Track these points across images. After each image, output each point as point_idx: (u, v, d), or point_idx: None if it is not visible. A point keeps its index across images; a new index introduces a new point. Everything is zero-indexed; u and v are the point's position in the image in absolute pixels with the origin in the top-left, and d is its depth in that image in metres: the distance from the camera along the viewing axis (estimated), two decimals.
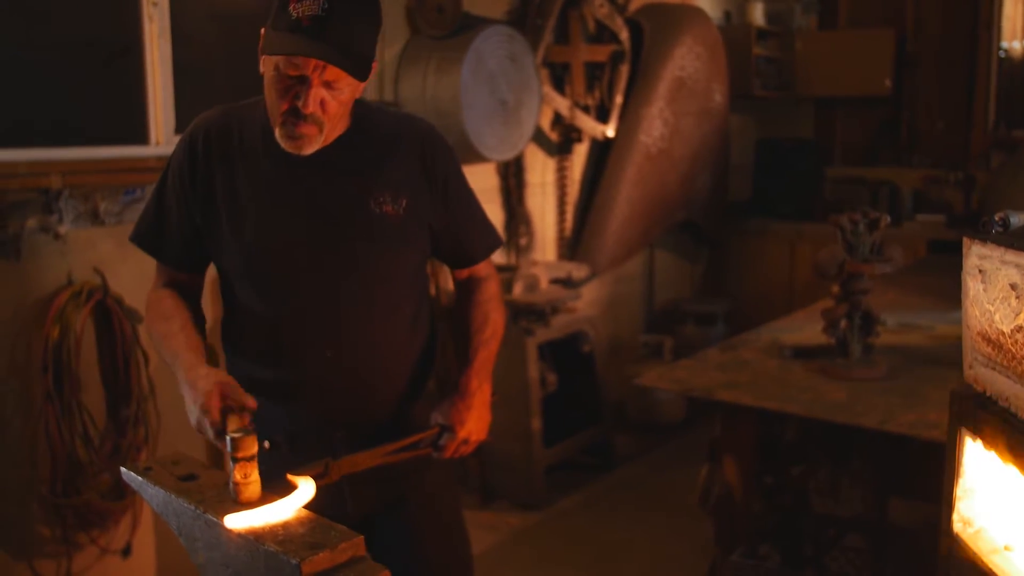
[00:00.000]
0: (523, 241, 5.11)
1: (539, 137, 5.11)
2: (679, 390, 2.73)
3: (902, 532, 3.11)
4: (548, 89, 4.94)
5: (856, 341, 2.83)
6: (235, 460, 1.55)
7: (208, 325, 2.07)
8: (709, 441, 2.95)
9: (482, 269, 2.16)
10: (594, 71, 5.35)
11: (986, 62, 6.57)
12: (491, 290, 2.15)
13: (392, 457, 1.91)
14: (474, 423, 2.00)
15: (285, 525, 1.49)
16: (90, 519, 3.25)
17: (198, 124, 1.95)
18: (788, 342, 3.16)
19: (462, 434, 1.98)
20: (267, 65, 1.80)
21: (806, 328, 3.40)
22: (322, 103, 1.78)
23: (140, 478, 1.66)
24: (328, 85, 1.77)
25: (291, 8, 1.71)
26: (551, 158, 5.30)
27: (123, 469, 1.70)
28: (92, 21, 3.39)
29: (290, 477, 1.62)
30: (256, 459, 1.56)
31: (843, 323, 2.84)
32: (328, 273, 1.92)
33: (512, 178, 4.99)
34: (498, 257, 4.95)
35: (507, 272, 4.64)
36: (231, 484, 1.55)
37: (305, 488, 1.58)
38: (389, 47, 4.31)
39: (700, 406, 5.28)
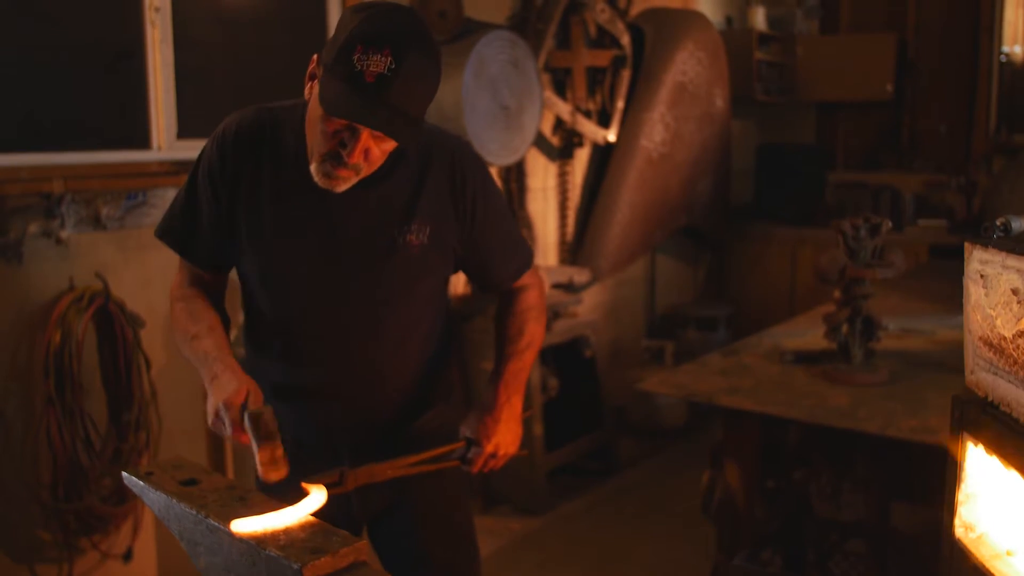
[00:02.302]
0: None
1: (540, 142, 5.11)
2: (681, 395, 2.73)
3: (904, 537, 3.10)
4: (549, 94, 4.94)
5: (858, 346, 2.83)
6: (259, 440, 1.56)
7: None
8: (711, 446, 2.94)
9: (522, 281, 2.10)
10: (595, 76, 5.35)
11: (987, 66, 6.57)
12: (530, 299, 2.10)
13: (414, 469, 1.89)
14: (503, 437, 1.97)
15: (287, 530, 1.49)
16: (91, 523, 3.25)
17: (230, 122, 1.90)
18: (790, 347, 3.16)
19: (489, 448, 1.96)
20: (316, 102, 1.70)
21: (808, 333, 3.40)
22: (366, 151, 1.72)
23: (141, 483, 1.65)
24: (377, 137, 1.71)
25: (355, 59, 1.61)
26: (552, 163, 5.30)
27: (124, 474, 1.69)
28: (94, 26, 3.39)
29: (304, 485, 1.61)
30: (279, 437, 1.58)
31: (844, 328, 2.84)
32: (345, 295, 1.90)
33: (514, 182, 4.99)
34: None
35: None
36: (258, 467, 1.56)
37: (315, 496, 1.58)
38: None
39: (701, 411, 5.29)
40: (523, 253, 2.08)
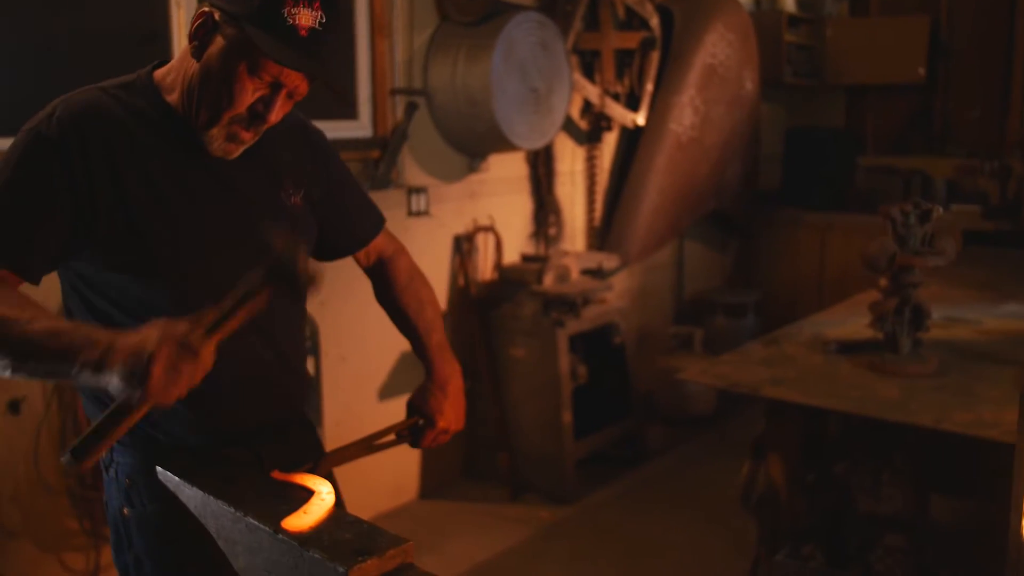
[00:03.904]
0: (552, 231, 5.04)
1: (568, 125, 5.04)
2: (724, 386, 2.65)
3: (944, 530, 3.03)
4: (578, 77, 4.86)
5: (906, 336, 2.74)
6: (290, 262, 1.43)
7: None
8: (753, 438, 2.86)
9: (387, 247, 2.04)
10: (624, 58, 5.26)
11: (1022, 49, 6.43)
12: (404, 265, 2.06)
13: (375, 450, 1.87)
14: (452, 412, 1.96)
15: (330, 530, 1.43)
16: None
17: (66, 115, 1.61)
18: (832, 336, 3.08)
19: (442, 424, 1.95)
20: (228, 56, 1.57)
21: (848, 322, 3.31)
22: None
23: (177, 478, 1.60)
24: (291, 96, 1.63)
25: (285, 12, 1.52)
26: (580, 147, 5.23)
27: (159, 468, 1.64)
28: (119, 8, 3.34)
29: (296, 478, 1.56)
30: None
31: (892, 317, 2.75)
32: (250, 267, 1.75)
33: (542, 167, 4.92)
34: (528, 247, 4.89)
35: (538, 262, 4.57)
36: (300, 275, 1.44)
37: (326, 487, 1.53)
38: (418, 34, 4.24)
39: (731, 399, 5.21)
40: (376, 210, 2.04)
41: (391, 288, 2.05)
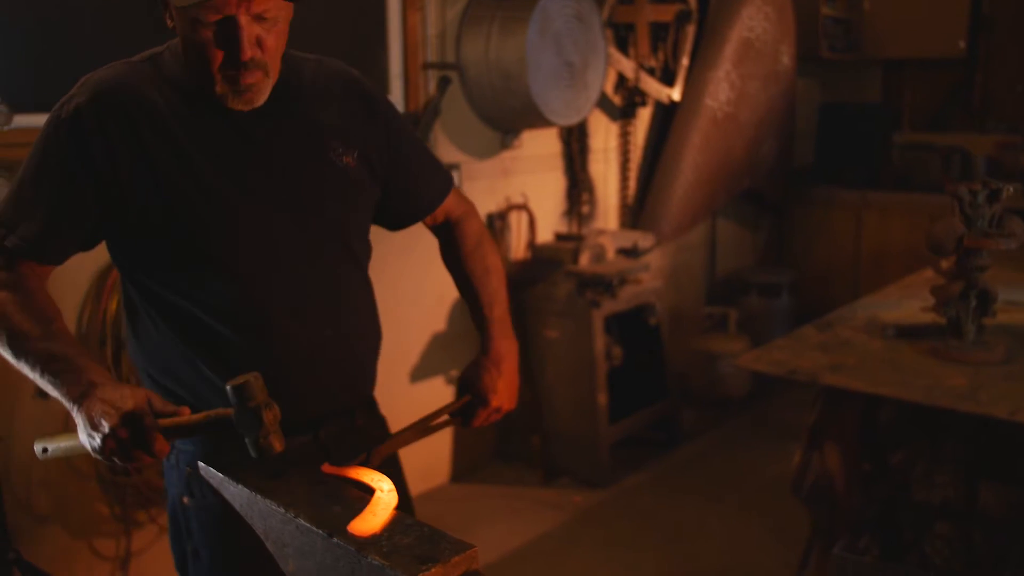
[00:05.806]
0: (585, 209, 4.92)
1: (602, 101, 4.90)
2: (781, 373, 2.53)
3: (999, 519, 2.92)
4: (612, 50, 4.72)
5: (971, 321, 2.61)
6: (261, 407, 1.40)
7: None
8: (808, 425, 2.75)
9: (455, 208, 1.95)
10: (659, 32, 5.11)
11: None
12: (474, 228, 1.95)
13: (428, 432, 1.78)
14: (505, 390, 1.85)
15: (388, 534, 1.33)
16: (149, 497, 3.18)
17: (84, 96, 1.59)
18: (889, 320, 2.95)
19: (495, 403, 1.83)
20: (180, 18, 1.53)
21: (903, 305, 3.19)
22: (259, 42, 1.54)
23: (220, 475, 1.50)
24: (259, 18, 1.53)
25: None
26: (614, 122, 5.10)
27: (201, 464, 1.54)
28: None
29: (348, 472, 1.49)
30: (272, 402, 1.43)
31: (957, 302, 2.62)
32: (301, 235, 1.68)
33: (575, 143, 4.79)
34: (560, 225, 4.78)
35: (572, 241, 4.45)
36: (262, 437, 1.42)
37: (388, 483, 1.44)
38: (450, 7, 4.13)
39: (766, 381, 5.09)
40: (443, 170, 1.94)
41: (457, 251, 1.95)
